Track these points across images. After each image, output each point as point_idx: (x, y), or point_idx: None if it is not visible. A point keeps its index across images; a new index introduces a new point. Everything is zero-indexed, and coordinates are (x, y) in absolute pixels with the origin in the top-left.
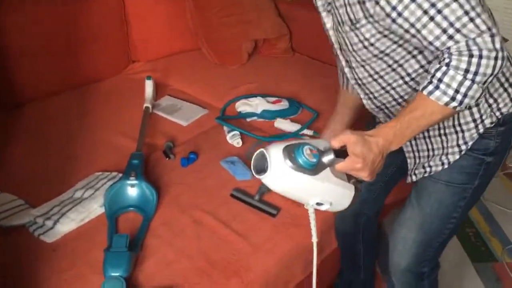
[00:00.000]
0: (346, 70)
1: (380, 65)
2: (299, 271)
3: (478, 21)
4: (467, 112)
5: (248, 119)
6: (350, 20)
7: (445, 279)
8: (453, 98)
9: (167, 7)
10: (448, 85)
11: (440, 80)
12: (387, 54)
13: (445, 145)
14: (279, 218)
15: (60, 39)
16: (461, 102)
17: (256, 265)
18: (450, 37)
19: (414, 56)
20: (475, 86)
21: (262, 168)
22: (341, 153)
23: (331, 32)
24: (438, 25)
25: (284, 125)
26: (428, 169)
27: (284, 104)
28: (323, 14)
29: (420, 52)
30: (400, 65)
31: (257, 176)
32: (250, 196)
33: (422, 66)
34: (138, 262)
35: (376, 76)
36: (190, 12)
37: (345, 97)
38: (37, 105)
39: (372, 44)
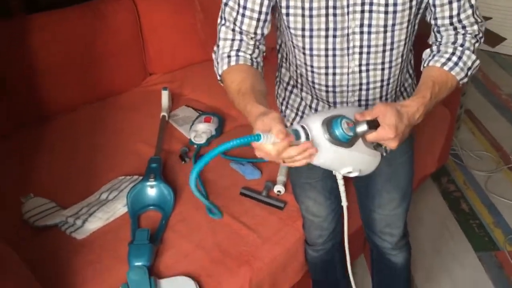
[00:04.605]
0: (330, 39)
1: (400, 35)
2: None
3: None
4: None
5: None
6: None
7: (449, 268)
8: (466, 75)
9: (180, 20)
10: (465, 63)
11: (460, 58)
12: (412, 22)
13: None
14: (285, 211)
15: (81, 56)
16: (467, 76)
17: (264, 255)
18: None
19: (414, 35)
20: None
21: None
22: (373, 122)
23: None
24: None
25: None
26: None
27: None
28: None
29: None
30: (409, 40)
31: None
32: (258, 193)
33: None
34: (158, 254)
35: (389, 47)
36: (200, 22)
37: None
38: (63, 118)
39: (415, 5)
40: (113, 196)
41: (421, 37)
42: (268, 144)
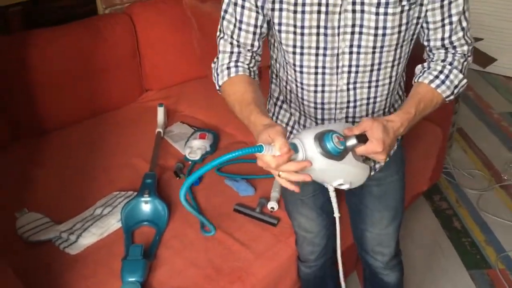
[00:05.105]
0: (320, 58)
1: (388, 56)
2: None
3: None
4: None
5: None
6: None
7: (441, 285)
8: (452, 93)
9: (176, 37)
10: (452, 81)
11: (447, 76)
12: (401, 46)
13: None
14: (278, 227)
15: (78, 71)
16: (453, 94)
17: (257, 271)
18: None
19: (405, 59)
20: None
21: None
22: (361, 136)
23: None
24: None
25: None
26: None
27: None
28: None
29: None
30: (399, 63)
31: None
32: (251, 209)
33: (402, 71)
34: (151, 269)
35: (376, 67)
36: (197, 40)
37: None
38: (61, 133)
39: (405, 30)
40: (108, 212)
41: (415, 58)
42: (269, 155)
